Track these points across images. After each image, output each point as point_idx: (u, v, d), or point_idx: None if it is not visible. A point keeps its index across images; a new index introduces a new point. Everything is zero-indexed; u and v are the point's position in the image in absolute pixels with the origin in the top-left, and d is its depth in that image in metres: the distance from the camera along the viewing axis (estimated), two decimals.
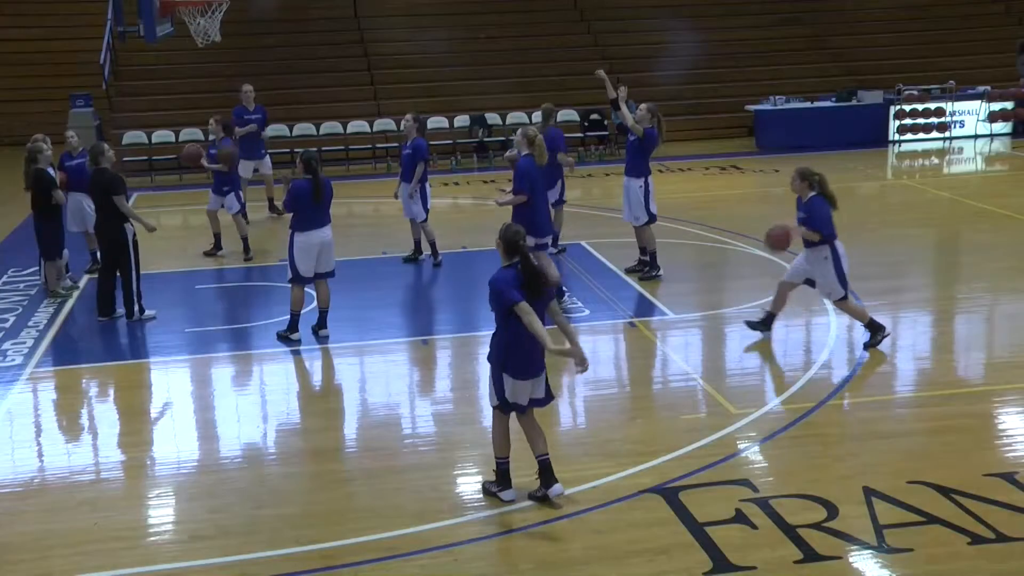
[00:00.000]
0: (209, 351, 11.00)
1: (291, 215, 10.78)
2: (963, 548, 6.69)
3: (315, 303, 11.23)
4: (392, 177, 19.48)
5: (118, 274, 11.83)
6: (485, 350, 11.09)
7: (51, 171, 12.68)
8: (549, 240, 11.93)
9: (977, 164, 22.25)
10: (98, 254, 12.50)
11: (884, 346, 10.67)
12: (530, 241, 11.63)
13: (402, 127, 14.73)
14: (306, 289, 11.17)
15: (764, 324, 10.62)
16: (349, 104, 23.61)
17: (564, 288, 11.98)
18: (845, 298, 10.16)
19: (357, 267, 13.73)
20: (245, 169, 16.22)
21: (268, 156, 17.32)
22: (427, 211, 13.84)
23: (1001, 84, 23.78)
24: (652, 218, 12.90)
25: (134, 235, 11.80)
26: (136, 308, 11.76)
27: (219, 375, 10.52)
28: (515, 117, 23.13)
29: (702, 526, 6.98)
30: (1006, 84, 23.80)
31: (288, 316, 11.00)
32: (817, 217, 9.94)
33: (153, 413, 9.62)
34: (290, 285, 10.90)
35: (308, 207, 10.62)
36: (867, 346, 10.21)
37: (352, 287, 12.62)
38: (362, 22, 26.51)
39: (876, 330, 10.25)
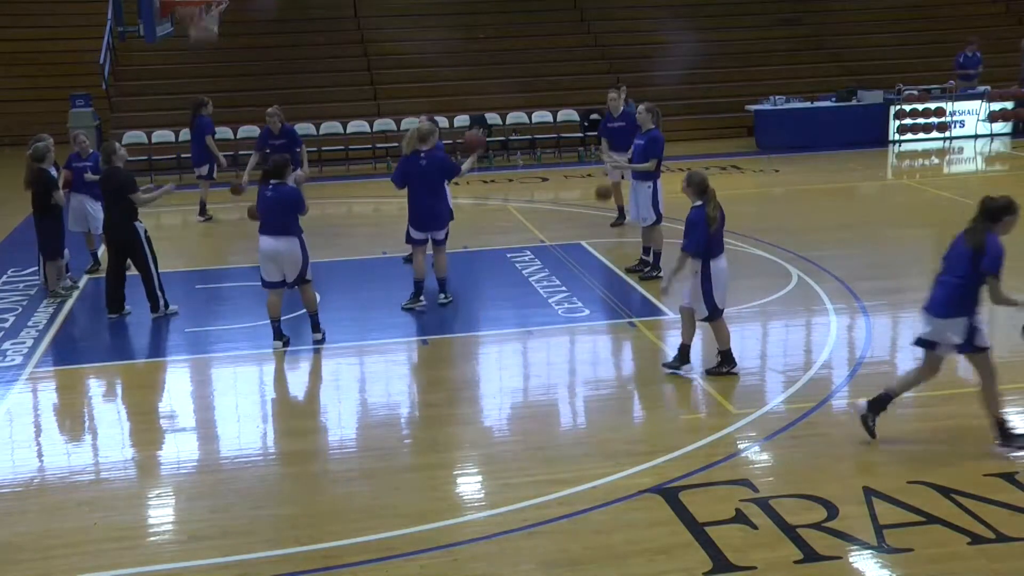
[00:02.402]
0: (209, 351, 11.00)
1: None
2: (963, 548, 6.69)
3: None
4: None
5: (126, 273, 11.88)
6: (485, 350, 11.27)
7: (53, 171, 12.67)
8: (428, 236, 11.79)
9: (977, 164, 22.24)
10: (105, 253, 12.48)
11: (884, 346, 10.68)
12: (417, 235, 11.73)
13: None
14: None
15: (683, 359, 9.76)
16: (349, 104, 23.60)
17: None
18: (712, 319, 9.56)
19: (357, 267, 13.72)
20: None
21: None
22: None
23: (1001, 84, 23.78)
24: (660, 218, 12.94)
25: (146, 231, 11.81)
26: (161, 303, 11.80)
27: (219, 375, 10.51)
28: (515, 117, 23.17)
29: (702, 526, 6.97)
30: (1006, 84, 23.80)
31: None
32: (689, 226, 9.43)
33: (153, 413, 9.60)
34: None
35: (262, 212, 10.60)
36: (709, 372, 9.67)
37: (352, 287, 12.62)
38: (362, 22, 26.52)
39: (726, 361, 9.62)
